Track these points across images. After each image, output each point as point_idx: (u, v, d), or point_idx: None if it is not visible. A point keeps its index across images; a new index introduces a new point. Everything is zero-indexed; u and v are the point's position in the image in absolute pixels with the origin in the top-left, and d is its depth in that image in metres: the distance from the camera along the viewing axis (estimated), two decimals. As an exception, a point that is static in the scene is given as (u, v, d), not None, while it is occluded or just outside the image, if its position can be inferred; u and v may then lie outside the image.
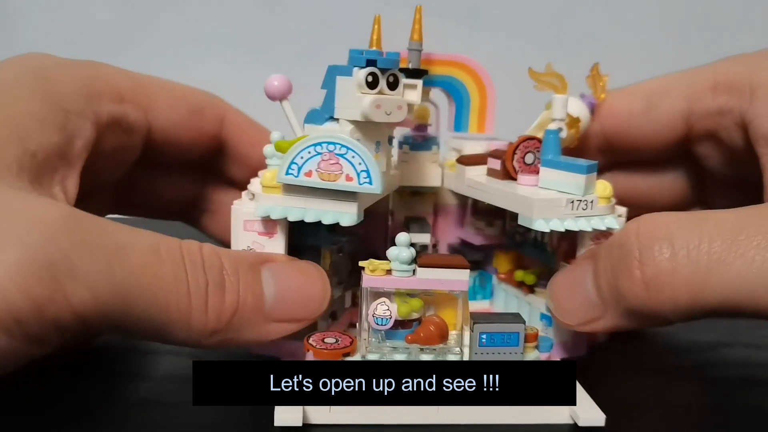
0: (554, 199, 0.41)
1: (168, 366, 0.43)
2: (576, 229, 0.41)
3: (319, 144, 0.37)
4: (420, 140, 0.48)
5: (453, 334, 0.40)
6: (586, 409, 0.38)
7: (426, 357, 0.38)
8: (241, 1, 0.79)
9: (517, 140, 0.44)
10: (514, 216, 0.49)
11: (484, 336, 0.38)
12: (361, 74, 0.38)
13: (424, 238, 0.44)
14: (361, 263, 0.39)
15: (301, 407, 0.36)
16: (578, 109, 0.47)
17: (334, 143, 0.37)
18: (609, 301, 0.38)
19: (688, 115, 0.47)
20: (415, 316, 0.39)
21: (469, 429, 0.37)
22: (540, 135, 0.44)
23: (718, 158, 0.48)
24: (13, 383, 0.38)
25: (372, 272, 0.38)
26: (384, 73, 0.39)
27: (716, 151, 0.48)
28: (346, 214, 0.38)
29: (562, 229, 0.40)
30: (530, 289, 0.47)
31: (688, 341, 0.52)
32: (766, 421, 0.40)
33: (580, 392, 0.40)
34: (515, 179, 0.44)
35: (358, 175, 0.37)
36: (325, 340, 0.39)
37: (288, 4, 0.77)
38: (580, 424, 0.37)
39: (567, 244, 0.45)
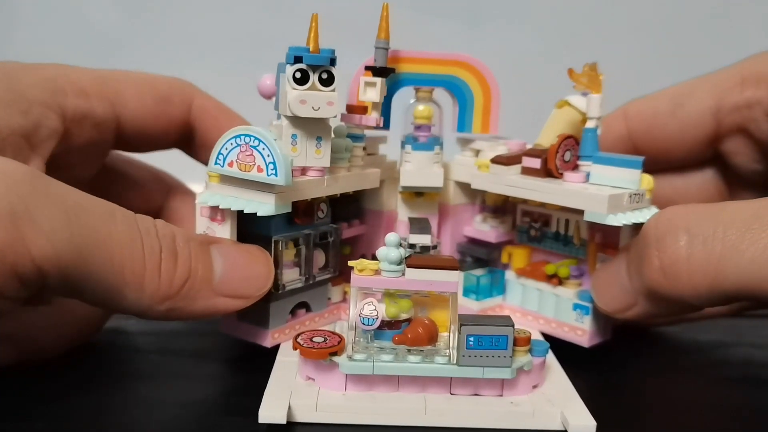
0: (619, 195, 0.42)
1: (168, 366, 0.44)
2: (637, 221, 0.42)
3: (239, 136, 0.39)
4: (423, 140, 0.48)
5: (444, 335, 0.39)
6: (578, 416, 0.37)
7: (413, 358, 0.38)
8: (236, 2, 0.80)
9: (558, 139, 0.45)
10: (526, 212, 0.50)
11: (471, 339, 0.37)
12: (288, 71, 0.40)
13: (425, 239, 0.44)
14: (350, 263, 0.39)
15: (286, 405, 0.36)
16: (585, 105, 0.47)
17: (249, 135, 0.39)
18: (638, 288, 0.40)
19: (716, 111, 0.49)
20: (405, 317, 0.39)
21: (459, 432, 0.37)
22: (557, 134, 0.45)
23: (748, 153, 0.49)
24: (13, 383, 0.40)
25: (360, 272, 0.38)
26: (315, 69, 0.40)
27: (745, 145, 0.49)
28: (264, 205, 0.39)
29: (629, 223, 0.42)
30: (560, 281, 0.48)
31: (691, 340, 0.52)
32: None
33: (574, 398, 0.39)
34: (557, 177, 0.45)
35: (267, 166, 0.38)
36: (314, 339, 0.39)
37: (282, 4, 0.78)
38: (570, 431, 0.36)
39: (600, 236, 0.46)
